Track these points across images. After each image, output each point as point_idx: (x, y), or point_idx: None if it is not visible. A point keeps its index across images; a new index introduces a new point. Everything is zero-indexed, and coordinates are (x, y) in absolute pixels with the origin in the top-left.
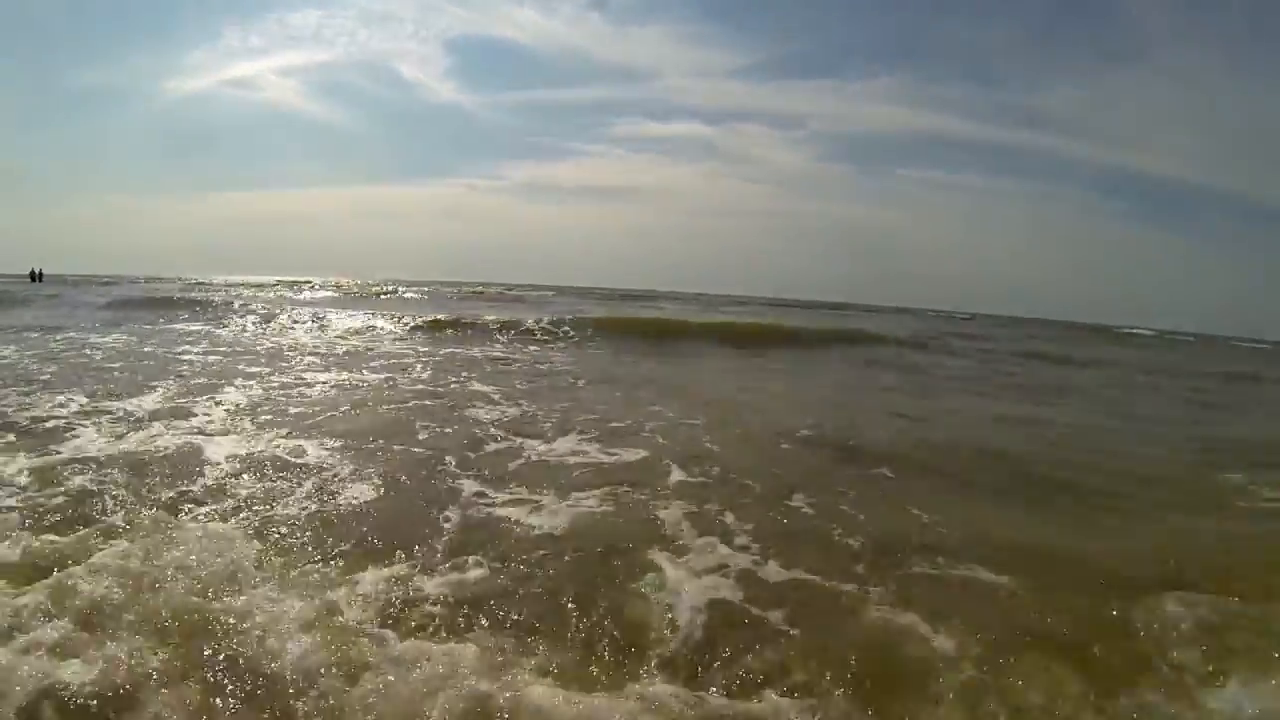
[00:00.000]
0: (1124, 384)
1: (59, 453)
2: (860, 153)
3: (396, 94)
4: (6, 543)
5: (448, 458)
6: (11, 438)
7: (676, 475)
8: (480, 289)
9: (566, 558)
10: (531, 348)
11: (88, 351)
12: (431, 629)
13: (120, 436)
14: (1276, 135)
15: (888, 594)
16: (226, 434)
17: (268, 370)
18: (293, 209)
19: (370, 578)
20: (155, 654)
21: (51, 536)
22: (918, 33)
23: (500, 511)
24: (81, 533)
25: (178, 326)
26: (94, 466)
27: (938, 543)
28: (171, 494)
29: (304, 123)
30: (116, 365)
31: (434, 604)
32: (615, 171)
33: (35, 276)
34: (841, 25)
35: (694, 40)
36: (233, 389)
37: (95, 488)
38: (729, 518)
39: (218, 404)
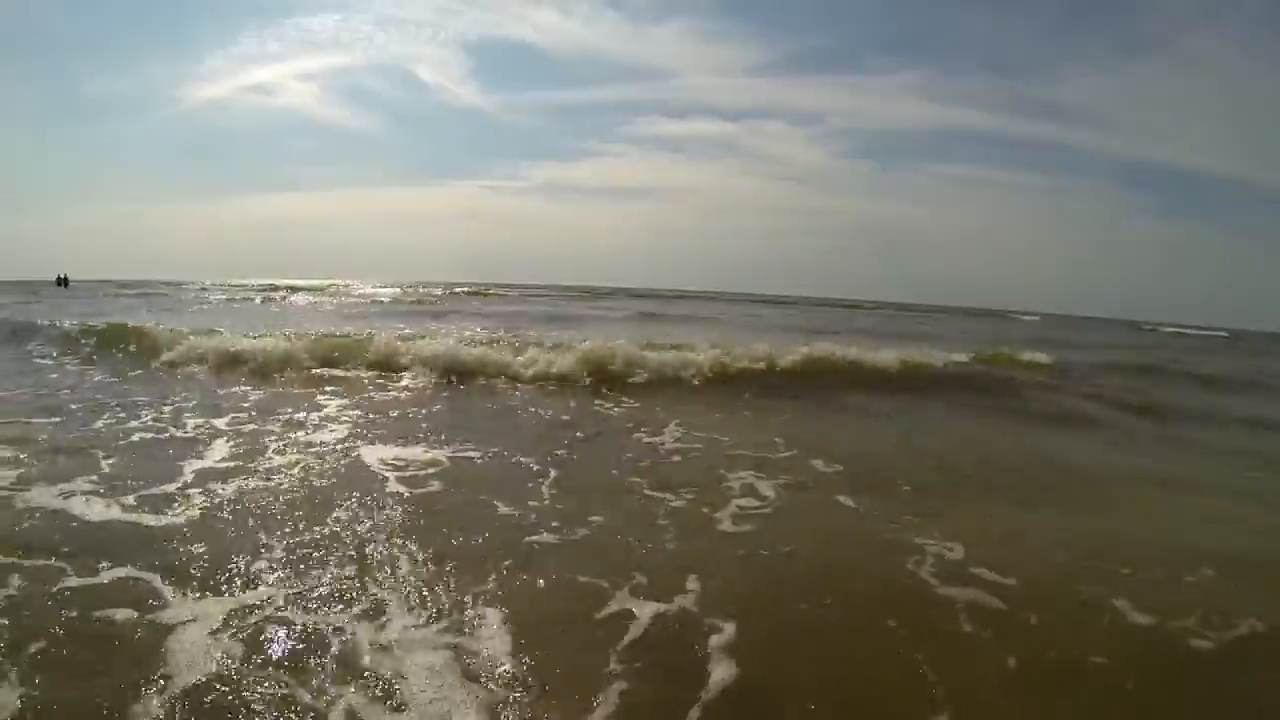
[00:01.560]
0: None
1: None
2: (880, 148)
3: (416, 97)
4: None
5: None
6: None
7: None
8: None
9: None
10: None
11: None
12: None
13: (245, 454)
14: None
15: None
16: (359, 447)
17: (358, 375)
18: (314, 212)
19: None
20: None
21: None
22: (935, 26)
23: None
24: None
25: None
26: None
27: None
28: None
29: (324, 127)
30: (195, 369)
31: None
32: (634, 170)
33: (62, 282)
34: (859, 20)
35: (711, 37)
36: (325, 398)
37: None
38: None
39: (326, 422)
